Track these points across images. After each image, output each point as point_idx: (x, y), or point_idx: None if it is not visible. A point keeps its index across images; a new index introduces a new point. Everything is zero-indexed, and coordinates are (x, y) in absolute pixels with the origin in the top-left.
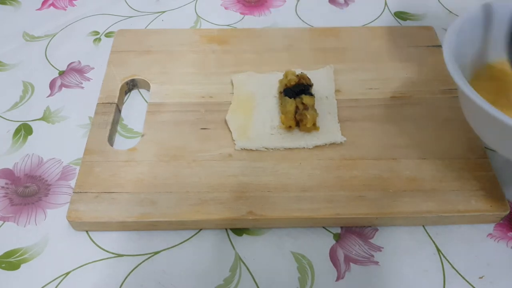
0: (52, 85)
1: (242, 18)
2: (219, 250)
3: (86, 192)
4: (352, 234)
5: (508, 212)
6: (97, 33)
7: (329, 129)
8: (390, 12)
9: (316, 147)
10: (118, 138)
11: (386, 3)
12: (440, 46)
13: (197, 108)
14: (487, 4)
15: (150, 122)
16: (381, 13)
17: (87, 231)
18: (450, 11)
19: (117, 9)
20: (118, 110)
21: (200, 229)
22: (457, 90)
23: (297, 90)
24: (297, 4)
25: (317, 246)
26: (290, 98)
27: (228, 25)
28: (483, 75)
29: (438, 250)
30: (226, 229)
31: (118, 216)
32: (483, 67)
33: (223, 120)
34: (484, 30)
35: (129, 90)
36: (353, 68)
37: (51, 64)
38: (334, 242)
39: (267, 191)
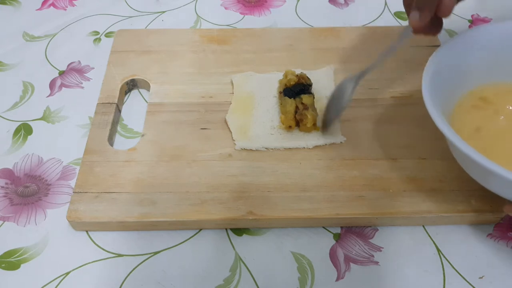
0: (52, 85)
1: (242, 18)
2: (219, 250)
3: (86, 192)
4: (352, 234)
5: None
6: (97, 33)
7: (329, 129)
8: (390, 12)
9: (316, 147)
10: (118, 138)
11: (386, 3)
12: (439, 46)
13: (197, 108)
14: (462, 34)
15: (150, 122)
16: (381, 13)
17: (87, 231)
18: None
19: (117, 9)
20: (118, 110)
21: (200, 229)
22: None
23: (296, 89)
24: (297, 4)
25: (317, 246)
26: (290, 98)
27: (228, 25)
28: (465, 104)
29: (438, 250)
30: (226, 229)
31: (118, 216)
32: (465, 95)
33: (223, 120)
34: (460, 61)
35: (129, 90)
36: (353, 68)
37: (51, 64)
38: (334, 242)
39: (267, 191)
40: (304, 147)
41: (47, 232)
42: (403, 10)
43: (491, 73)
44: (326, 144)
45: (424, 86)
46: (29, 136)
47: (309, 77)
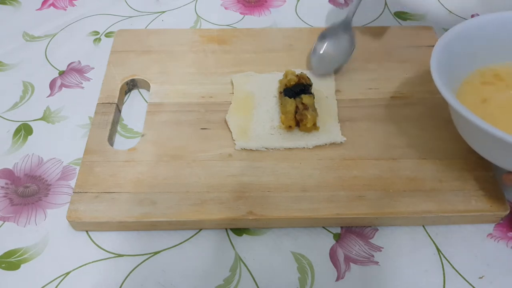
0: (52, 85)
1: (242, 18)
2: (219, 250)
3: (86, 192)
4: (352, 234)
5: (508, 212)
6: (97, 33)
7: (329, 129)
8: (390, 12)
9: (316, 147)
10: (118, 138)
11: (386, 3)
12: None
13: (197, 108)
14: (476, 16)
15: (150, 122)
16: (381, 13)
17: (87, 231)
18: (450, 11)
19: (117, 9)
20: (118, 110)
21: (200, 229)
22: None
23: (297, 90)
24: (297, 4)
25: (317, 246)
26: (290, 98)
27: (228, 25)
28: (474, 81)
29: (438, 250)
30: (226, 229)
31: (118, 216)
32: (474, 72)
33: (223, 120)
34: (473, 40)
35: (129, 90)
36: (353, 68)
37: (51, 64)
38: (334, 242)
39: (267, 191)
40: (304, 147)
41: (47, 232)
42: (403, 10)
43: (508, 54)
44: (326, 144)
45: (433, 60)
46: (29, 136)
47: (309, 77)
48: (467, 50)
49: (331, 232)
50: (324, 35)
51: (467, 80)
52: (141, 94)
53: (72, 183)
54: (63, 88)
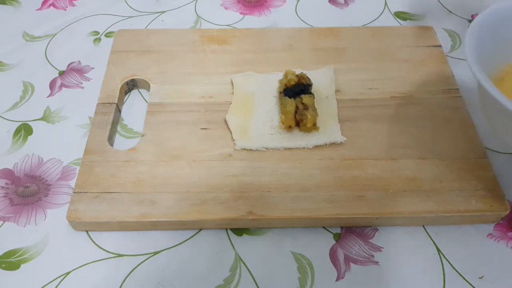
0: (52, 85)
1: (242, 18)
2: (219, 250)
3: (86, 192)
4: (352, 234)
5: (508, 212)
6: (97, 33)
7: (329, 129)
8: (390, 12)
9: (316, 147)
10: (118, 138)
11: (386, 3)
12: (439, 46)
13: (197, 108)
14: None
15: (150, 122)
16: (381, 13)
17: (87, 231)
18: (450, 11)
19: (117, 9)
20: (118, 110)
21: (200, 229)
22: (459, 90)
23: (297, 90)
24: (297, 4)
25: (317, 246)
26: (290, 98)
27: (228, 25)
28: (507, 74)
29: (438, 250)
30: (226, 229)
31: (118, 216)
32: (505, 65)
33: (223, 120)
34: (506, 28)
35: (129, 90)
36: (353, 68)
37: (51, 64)
38: (334, 242)
39: (267, 191)
40: (304, 147)
41: (47, 232)
42: (403, 10)
43: None
44: (326, 144)
45: (469, 49)
46: (29, 136)
47: (309, 77)
48: (498, 39)
49: (331, 232)
50: None
51: (498, 74)
52: (141, 94)
53: (72, 183)
54: (63, 88)
